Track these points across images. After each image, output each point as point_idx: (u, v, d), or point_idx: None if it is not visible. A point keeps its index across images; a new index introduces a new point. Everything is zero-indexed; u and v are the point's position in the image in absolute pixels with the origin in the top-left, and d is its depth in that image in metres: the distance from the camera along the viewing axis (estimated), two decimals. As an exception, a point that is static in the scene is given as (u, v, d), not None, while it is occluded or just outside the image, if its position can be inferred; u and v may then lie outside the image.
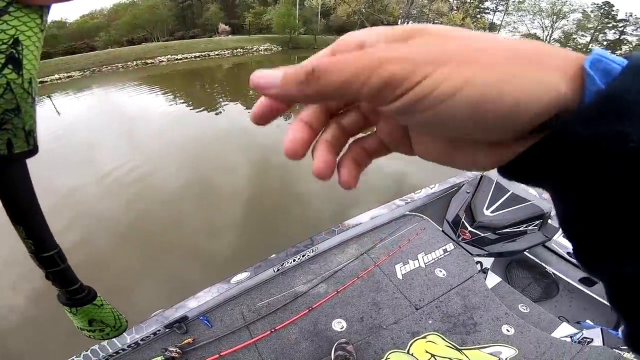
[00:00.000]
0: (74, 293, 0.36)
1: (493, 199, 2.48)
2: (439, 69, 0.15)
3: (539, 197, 2.48)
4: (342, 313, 1.99)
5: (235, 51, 24.57)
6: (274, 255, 2.22)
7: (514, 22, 32.72)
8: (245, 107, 10.48)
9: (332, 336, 1.87)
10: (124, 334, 1.78)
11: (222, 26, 31.82)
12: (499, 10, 36.95)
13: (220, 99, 11.75)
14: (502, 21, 36.06)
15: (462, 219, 2.48)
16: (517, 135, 0.17)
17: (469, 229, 2.41)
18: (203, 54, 23.11)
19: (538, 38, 30.65)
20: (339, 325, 1.93)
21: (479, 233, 2.39)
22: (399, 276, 2.22)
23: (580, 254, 0.19)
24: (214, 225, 4.47)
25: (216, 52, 23.66)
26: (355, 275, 2.20)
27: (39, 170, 6.04)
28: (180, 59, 21.95)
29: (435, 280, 2.22)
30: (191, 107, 10.53)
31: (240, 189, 5.47)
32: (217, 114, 9.93)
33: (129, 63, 20.02)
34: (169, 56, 21.77)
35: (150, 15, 31.62)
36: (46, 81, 16.45)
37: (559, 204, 0.19)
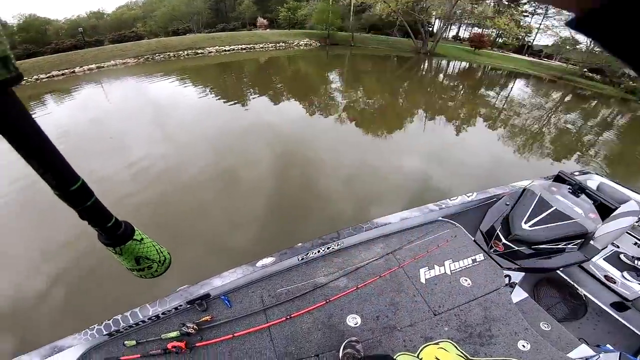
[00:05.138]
0: (112, 230, 0.34)
1: (534, 213, 2.29)
2: None
3: (584, 216, 2.25)
4: (358, 309, 1.94)
5: (277, 45, 24.58)
6: (300, 244, 2.19)
7: (555, 26, 30.14)
8: (306, 106, 10.48)
9: (344, 330, 1.82)
10: (147, 305, 1.80)
11: (261, 20, 31.84)
12: (537, 14, 34.24)
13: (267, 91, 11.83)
14: (540, 25, 33.43)
15: (497, 231, 2.33)
16: None
17: (503, 241, 2.25)
18: (249, 46, 23.34)
19: (579, 42, 28.26)
20: (353, 320, 1.88)
21: (513, 246, 2.22)
22: (422, 280, 2.12)
23: None
24: (237, 213, 4.49)
25: (260, 45, 23.80)
26: (377, 273, 2.12)
27: (74, 157, 6.39)
28: (228, 51, 22.30)
29: (459, 288, 2.09)
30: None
31: (266, 181, 5.46)
32: (277, 103, 10.02)
33: (180, 52, 20.59)
34: (217, 47, 22.17)
35: (187, 8, 32.33)
36: (103, 66, 17.20)
37: None
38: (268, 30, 29.97)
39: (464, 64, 24.75)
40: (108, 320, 1.73)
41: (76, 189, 0.28)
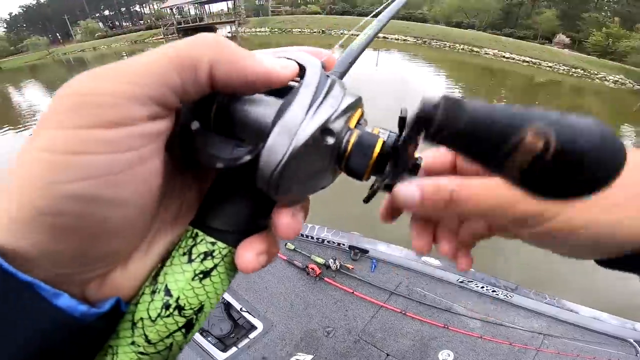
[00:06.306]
0: None
1: None
2: (565, 209, 0.16)
3: None
4: (459, 351, 1.81)
5: (573, 70, 19.52)
6: (472, 270, 2.11)
7: None
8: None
9: (429, 357, 1.78)
10: (325, 228, 2.15)
11: (561, 36, 25.25)
12: None
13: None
14: None
15: None
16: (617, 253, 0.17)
17: None
18: (533, 60, 19.62)
19: None
20: (446, 356, 1.79)
21: None
22: None
23: None
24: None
25: (549, 64, 19.37)
26: (511, 339, 1.92)
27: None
28: (508, 58, 19.81)
29: None
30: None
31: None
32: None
33: (457, 45, 20.51)
34: (497, 51, 20.21)
35: (477, 2, 29.13)
36: (387, 38, 19.84)
37: None
38: (566, 50, 23.87)
39: None
40: None
41: None
